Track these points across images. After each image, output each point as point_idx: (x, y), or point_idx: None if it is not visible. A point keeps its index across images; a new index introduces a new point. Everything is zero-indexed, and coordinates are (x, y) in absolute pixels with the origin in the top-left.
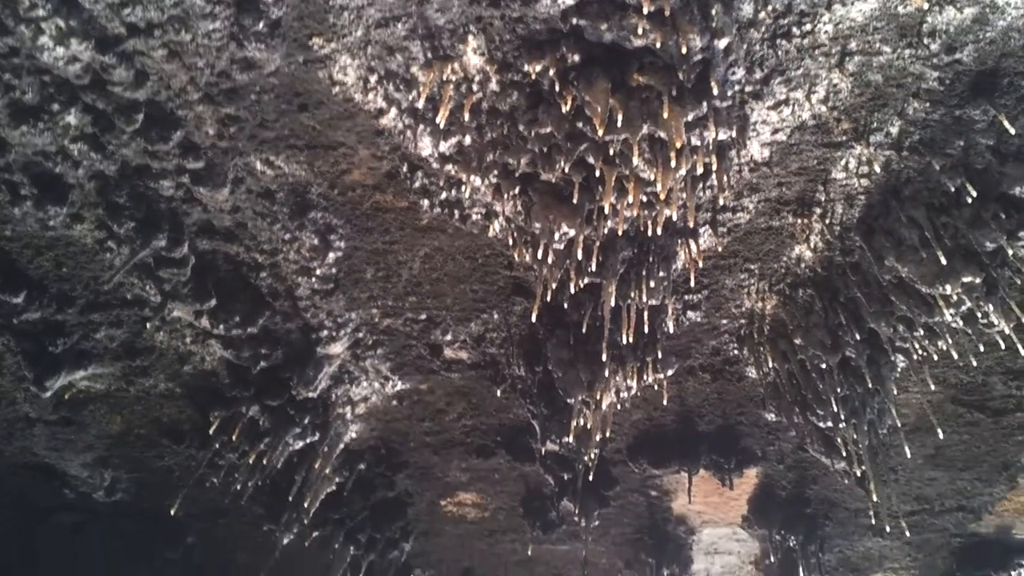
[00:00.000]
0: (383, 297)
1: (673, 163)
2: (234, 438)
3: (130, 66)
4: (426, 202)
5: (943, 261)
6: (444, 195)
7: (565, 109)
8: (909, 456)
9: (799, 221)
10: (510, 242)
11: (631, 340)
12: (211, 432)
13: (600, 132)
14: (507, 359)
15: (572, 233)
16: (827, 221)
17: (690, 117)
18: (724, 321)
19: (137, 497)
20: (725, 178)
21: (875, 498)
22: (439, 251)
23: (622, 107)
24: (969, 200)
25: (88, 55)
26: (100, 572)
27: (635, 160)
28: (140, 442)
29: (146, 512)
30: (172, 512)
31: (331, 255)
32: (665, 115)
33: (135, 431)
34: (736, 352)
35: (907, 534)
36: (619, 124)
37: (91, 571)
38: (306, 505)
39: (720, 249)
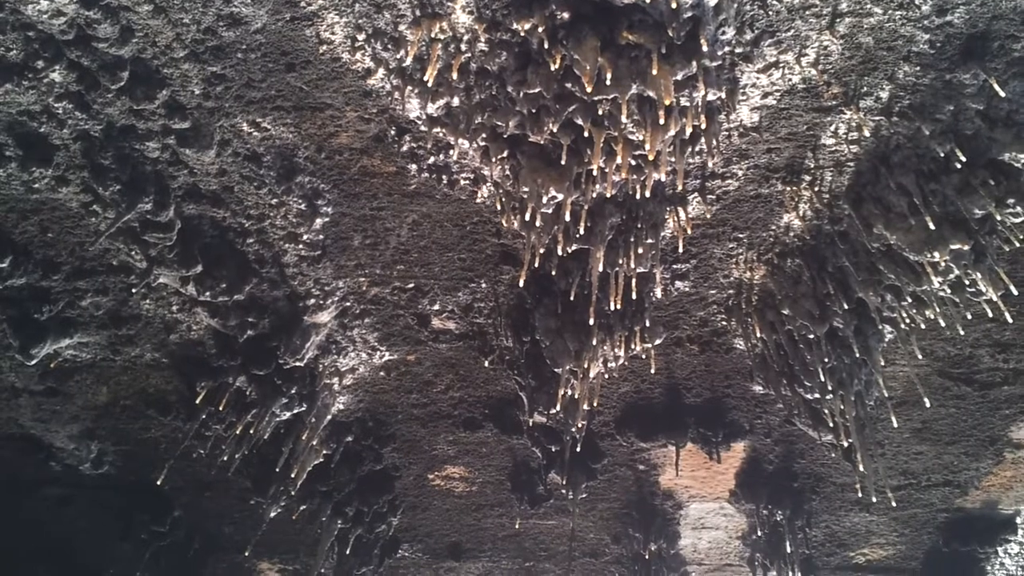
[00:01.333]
0: (370, 265)
1: (662, 122)
2: (221, 409)
3: (115, 21)
4: (414, 167)
5: (931, 228)
6: (432, 159)
7: (554, 68)
8: (896, 427)
9: (788, 189)
10: (498, 208)
11: (619, 307)
12: (197, 403)
13: (589, 91)
14: (495, 329)
15: (560, 197)
16: (816, 189)
17: (679, 76)
18: (712, 291)
19: (123, 470)
20: (714, 142)
21: (862, 469)
22: (427, 218)
23: (611, 65)
24: (958, 166)
25: (73, 9)
26: (86, 546)
27: (623, 120)
28: (126, 413)
29: (132, 485)
30: (158, 484)
31: (318, 221)
32: (654, 72)
33: (121, 402)
34: (724, 323)
35: (893, 504)
36: (608, 83)
37: (77, 544)
38: (293, 477)
39: (708, 217)
